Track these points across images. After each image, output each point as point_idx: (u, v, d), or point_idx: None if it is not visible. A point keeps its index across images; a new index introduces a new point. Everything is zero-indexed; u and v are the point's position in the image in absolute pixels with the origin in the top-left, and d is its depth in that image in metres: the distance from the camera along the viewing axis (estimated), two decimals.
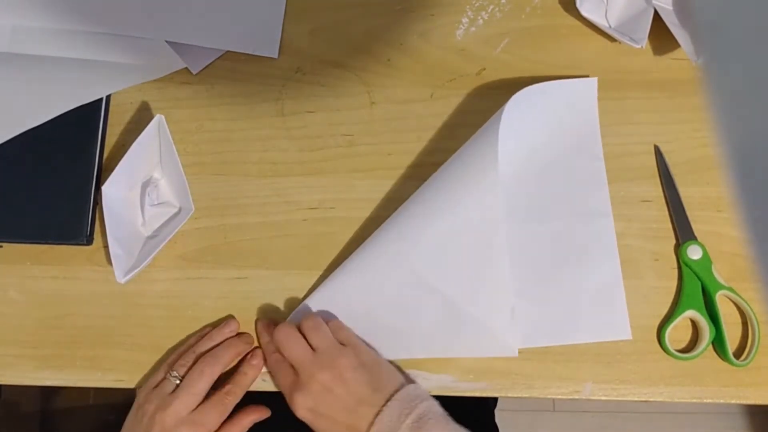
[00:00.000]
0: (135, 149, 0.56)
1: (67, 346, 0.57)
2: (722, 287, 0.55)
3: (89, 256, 0.58)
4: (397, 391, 0.50)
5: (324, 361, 0.51)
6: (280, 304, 0.57)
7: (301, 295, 0.57)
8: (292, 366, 0.52)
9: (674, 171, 0.58)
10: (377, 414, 0.49)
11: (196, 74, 0.61)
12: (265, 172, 0.59)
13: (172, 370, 0.53)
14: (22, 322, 0.57)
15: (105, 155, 0.60)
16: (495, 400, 0.95)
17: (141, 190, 0.58)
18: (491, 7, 0.62)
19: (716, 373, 0.55)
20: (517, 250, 0.55)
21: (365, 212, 0.58)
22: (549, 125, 0.57)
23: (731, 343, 0.55)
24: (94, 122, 0.59)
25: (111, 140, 0.60)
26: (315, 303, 0.55)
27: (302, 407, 0.50)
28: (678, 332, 0.56)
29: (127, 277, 0.54)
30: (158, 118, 0.56)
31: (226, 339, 0.55)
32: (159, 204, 0.58)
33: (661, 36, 0.58)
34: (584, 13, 0.59)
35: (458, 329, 0.54)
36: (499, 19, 0.61)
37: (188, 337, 0.56)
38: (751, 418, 1.32)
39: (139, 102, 0.61)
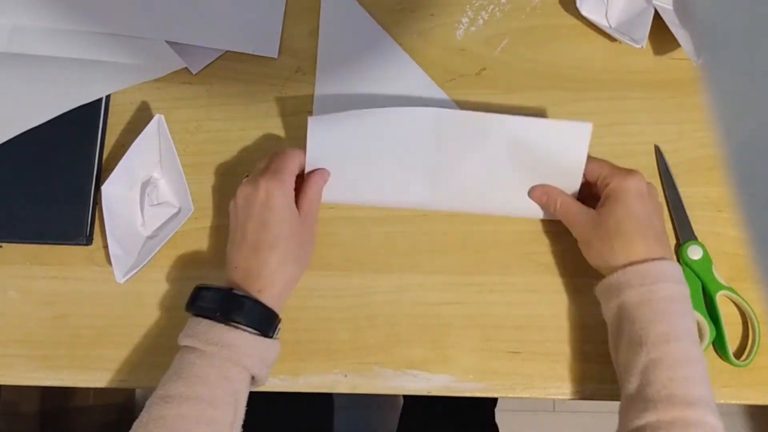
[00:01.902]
0: (135, 149, 0.56)
1: (66, 346, 0.57)
2: (722, 287, 0.55)
3: (89, 256, 0.58)
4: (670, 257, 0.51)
5: (639, 176, 0.52)
6: None
7: (300, 295, 0.57)
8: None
9: (674, 171, 0.58)
10: (667, 259, 0.50)
11: (196, 74, 0.61)
12: None
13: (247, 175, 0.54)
14: (22, 322, 0.57)
15: (105, 155, 0.60)
16: (495, 400, 0.95)
17: (141, 190, 0.58)
18: (491, 7, 0.62)
19: (716, 373, 0.55)
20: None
21: (365, 212, 0.58)
22: (535, 155, 0.55)
23: (731, 343, 0.55)
24: (94, 122, 0.59)
25: (111, 140, 0.60)
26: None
27: (637, 183, 0.51)
28: None
29: (127, 277, 0.54)
30: (158, 118, 0.56)
31: None
32: (159, 204, 0.58)
33: (661, 36, 0.58)
34: (584, 13, 0.59)
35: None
36: (499, 19, 0.61)
37: None
38: (751, 418, 1.32)
39: (139, 102, 0.61)
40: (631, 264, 0.49)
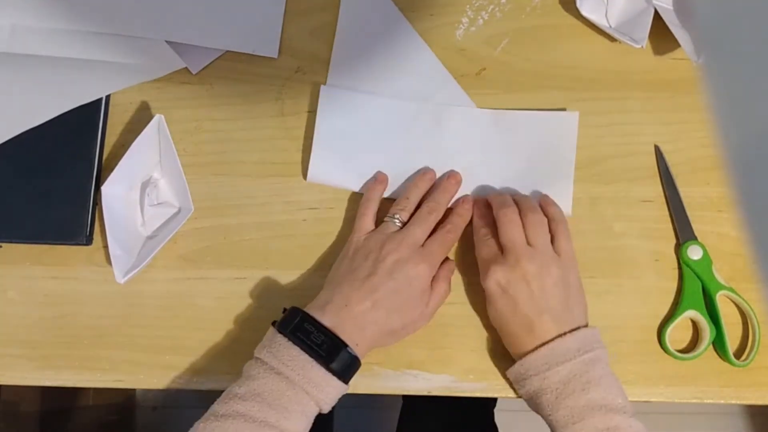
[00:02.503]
0: (135, 149, 0.56)
1: (66, 346, 0.57)
2: (722, 287, 0.55)
3: (89, 256, 0.58)
4: (585, 326, 0.51)
5: (535, 257, 0.51)
6: (280, 304, 0.57)
7: (300, 295, 0.57)
8: (497, 244, 0.53)
9: (674, 171, 0.58)
10: (560, 335, 0.50)
11: (196, 74, 0.61)
12: (265, 172, 0.59)
13: (392, 215, 0.54)
14: (22, 323, 0.57)
15: (105, 155, 0.60)
16: (494, 400, 0.95)
17: (141, 190, 0.58)
18: (491, 7, 0.62)
19: (716, 374, 0.55)
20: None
21: None
22: (527, 146, 0.58)
23: (731, 343, 0.55)
24: (94, 122, 0.59)
25: (111, 140, 0.60)
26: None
27: (495, 279, 0.51)
28: (678, 332, 0.56)
29: (127, 277, 0.54)
30: (158, 118, 0.56)
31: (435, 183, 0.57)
32: (158, 204, 0.58)
33: (661, 36, 0.58)
34: (584, 13, 0.59)
35: None
36: (499, 19, 0.61)
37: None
38: (751, 418, 1.32)
39: (139, 102, 0.61)
40: (521, 356, 0.51)
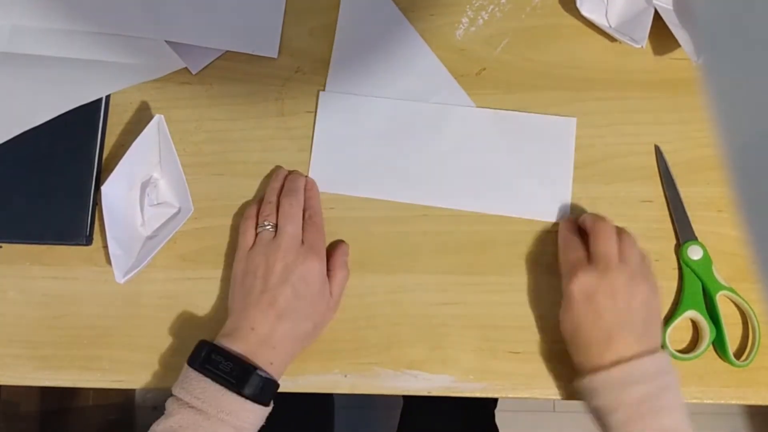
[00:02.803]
0: (134, 149, 0.56)
1: (66, 347, 0.57)
2: (723, 287, 0.55)
3: (89, 256, 0.58)
4: (661, 348, 0.50)
5: (626, 271, 0.50)
6: None
7: None
8: (583, 248, 0.52)
9: (674, 171, 0.58)
10: (638, 355, 0.48)
11: (196, 74, 0.61)
12: (265, 172, 0.59)
13: (262, 223, 0.54)
14: (22, 323, 0.57)
15: (105, 155, 0.60)
16: (495, 400, 0.95)
17: (140, 190, 0.58)
18: (491, 7, 0.61)
19: (716, 374, 0.55)
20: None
21: (365, 212, 0.58)
22: (526, 148, 0.59)
23: (732, 343, 0.55)
24: (94, 122, 0.59)
25: (111, 140, 0.60)
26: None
27: (581, 284, 0.50)
28: (678, 332, 0.56)
29: (127, 278, 0.54)
30: (158, 118, 0.56)
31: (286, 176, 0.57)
32: (158, 204, 0.58)
33: (661, 36, 0.58)
34: (584, 13, 0.59)
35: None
36: (499, 19, 0.61)
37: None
38: (751, 418, 1.32)
39: (139, 102, 0.61)
40: (595, 371, 0.49)
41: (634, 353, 0.48)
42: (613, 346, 0.49)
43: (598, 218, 0.54)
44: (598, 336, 0.49)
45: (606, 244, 0.51)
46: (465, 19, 0.61)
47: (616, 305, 0.49)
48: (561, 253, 0.55)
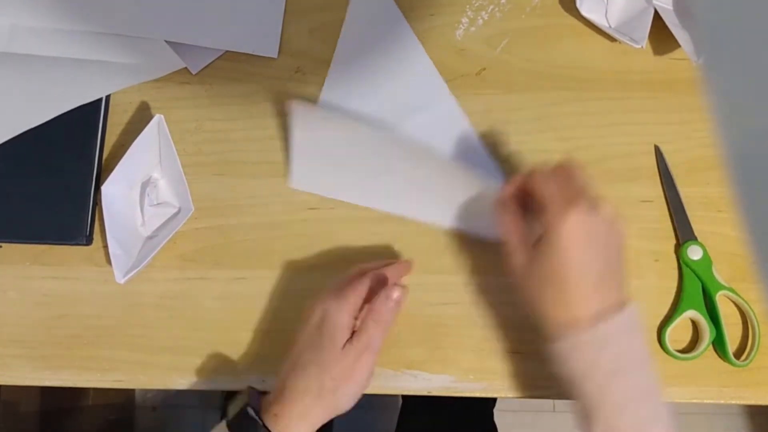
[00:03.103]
0: (134, 149, 0.56)
1: (66, 346, 0.57)
2: (722, 287, 0.55)
3: (88, 256, 0.58)
4: (630, 301, 0.46)
5: (608, 210, 0.46)
6: (280, 304, 0.57)
7: (301, 296, 0.57)
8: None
9: (674, 171, 0.58)
10: (618, 309, 0.44)
11: (196, 74, 0.61)
12: (265, 172, 0.59)
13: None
14: (22, 322, 0.57)
15: (105, 155, 0.60)
16: (494, 400, 0.95)
17: (140, 190, 0.58)
18: (491, 7, 0.62)
19: (716, 374, 0.55)
20: None
21: (365, 212, 0.58)
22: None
23: (731, 343, 0.55)
24: (94, 122, 0.59)
25: (111, 140, 0.60)
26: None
27: (575, 222, 0.44)
28: (678, 332, 0.56)
29: (127, 278, 0.54)
30: (158, 118, 0.56)
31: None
32: (158, 204, 0.58)
33: (661, 36, 0.58)
34: (584, 13, 0.59)
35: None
36: (499, 19, 0.61)
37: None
38: (751, 418, 1.32)
39: (139, 102, 0.61)
40: (570, 320, 0.45)
41: (612, 301, 0.45)
42: (599, 293, 0.45)
43: (540, 170, 0.48)
44: (592, 281, 0.45)
45: (564, 204, 0.45)
46: (465, 20, 0.61)
47: (608, 246, 0.46)
48: (540, 199, 0.47)
